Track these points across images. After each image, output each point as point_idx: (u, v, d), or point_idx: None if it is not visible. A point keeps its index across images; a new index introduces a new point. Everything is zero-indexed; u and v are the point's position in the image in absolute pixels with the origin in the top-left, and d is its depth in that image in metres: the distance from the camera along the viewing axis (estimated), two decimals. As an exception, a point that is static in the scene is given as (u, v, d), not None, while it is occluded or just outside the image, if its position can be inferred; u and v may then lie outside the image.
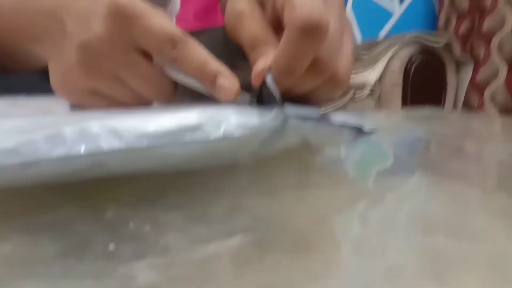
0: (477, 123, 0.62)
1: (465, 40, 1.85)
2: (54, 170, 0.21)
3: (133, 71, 0.29)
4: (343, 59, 0.30)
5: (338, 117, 0.29)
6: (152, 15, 0.28)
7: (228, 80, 0.28)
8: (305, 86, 0.29)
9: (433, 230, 0.21)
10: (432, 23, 1.98)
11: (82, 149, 0.20)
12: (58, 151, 0.20)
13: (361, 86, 1.58)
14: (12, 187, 0.21)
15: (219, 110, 0.25)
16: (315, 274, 0.17)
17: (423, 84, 1.63)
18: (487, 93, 1.75)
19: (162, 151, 0.22)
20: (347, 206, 0.25)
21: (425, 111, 0.75)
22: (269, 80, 0.27)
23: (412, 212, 0.25)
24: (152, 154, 0.22)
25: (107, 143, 0.21)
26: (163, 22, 0.28)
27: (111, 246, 0.19)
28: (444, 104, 1.68)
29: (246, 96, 0.28)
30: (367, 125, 0.29)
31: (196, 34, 0.31)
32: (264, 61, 0.28)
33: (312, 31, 0.25)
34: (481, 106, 1.77)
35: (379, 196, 0.27)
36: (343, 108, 1.49)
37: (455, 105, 1.73)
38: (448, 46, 1.67)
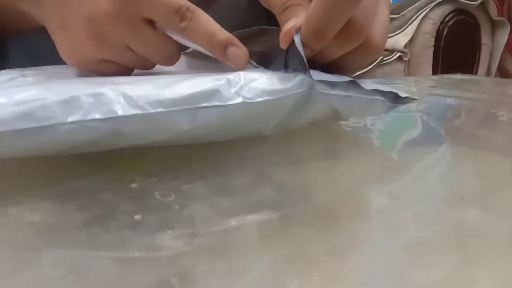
0: (511, 89, 0.59)
1: (502, 0, 1.75)
2: (70, 136, 0.20)
3: (140, 40, 0.29)
4: (378, 25, 0.28)
5: (369, 84, 0.27)
6: None
7: (238, 49, 0.28)
8: (336, 51, 0.28)
9: (461, 203, 0.21)
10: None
11: (97, 115, 0.20)
12: (73, 117, 0.20)
13: (389, 51, 1.53)
14: (36, 156, 0.22)
15: (238, 73, 0.24)
16: (339, 247, 0.17)
17: (455, 47, 1.56)
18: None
19: (178, 118, 0.22)
20: (372, 178, 0.24)
21: (457, 76, 0.72)
22: (297, 41, 0.25)
23: (439, 184, 0.24)
24: (168, 122, 0.22)
25: (123, 109, 0.21)
26: None
27: (137, 216, 0.19)
28: (477, 69, 1.62)
29: (255, 64, 0.28)
30: (401, 92, 0.28)
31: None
32: (294, 21, 0.26)
33: None
34: (517, 72, 1.69)
35: (406, 168, 0.26)
36: (370, 73, 1.45)
37: (488, 70, 1.66)
38: (483, 6, 1.58)
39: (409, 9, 1.56)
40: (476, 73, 1.63)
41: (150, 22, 0.29)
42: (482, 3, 1.57)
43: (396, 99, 0.28)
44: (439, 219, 0.20)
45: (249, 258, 0.16)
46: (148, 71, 0.31)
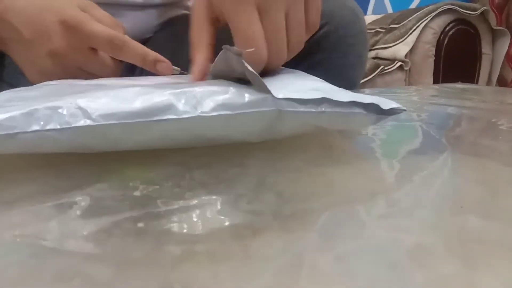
0: (511, 98, 0.59)
1: (501, 10, 1.76)
2: (33, 144, 0.23)
3: (89, 63, 0.42)
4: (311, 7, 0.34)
5: (347, 95, 0.26)
6: (89, 23, 0.39)
7: (164, 62, 0.40)
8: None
9: (462, 210, 0.21)
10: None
11: (55, 125, 0.23)
12: (34, 127, 0.23)
13: (390, 61, 1.54)
14: (41, 165, 0.22)
15: (198, 87, 0.24)
16: (341, 253, 0.17)
17: (456, 56, 1.57)
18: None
19: (133, 130, 0.23)
20: (374, 185, 0.24)
21: (458, 86, 0.73)
22: (246, 64, 0.24)
23: (440, 192, 0.24)
24: (123, 133, 0.23)
25: (76, 121, 0.23)
26: (99, 28, 0.40)
27: (140, 224, 0.19)
28: (478, 78, 1.62)
29: (178, 71, 0.39)
30: (393, 102, 0.27)
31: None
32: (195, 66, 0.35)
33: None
34: (517, 81, 1.70)
35: (407, 175, 0.26)
36: (371, 83, 1.46)
37: (489, 79, 1.67)
38: (483, 16, 1.59)
39: (409, 19, 1.57)
40: (477, 82, 1.63)
41: (95, 50, 0.41)
42: (482, 12, 1.58)
43: (379, 111, 0.26)
44: (440, 225, 0.20)
45: (252, 264, 0.16)
46: (117, 82, 0.37)
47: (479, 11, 1.55)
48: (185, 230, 0.19)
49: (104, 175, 0.25)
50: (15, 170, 0.26)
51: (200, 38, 0.35)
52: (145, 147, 0.25)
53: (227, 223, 0.19)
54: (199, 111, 0.23)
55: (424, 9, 1.56)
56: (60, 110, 0.23)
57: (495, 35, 1.64)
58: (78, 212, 0.20)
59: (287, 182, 0.24)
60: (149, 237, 0.18)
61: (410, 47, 1.52)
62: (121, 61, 0.44)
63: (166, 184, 0.23)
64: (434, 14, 1.53)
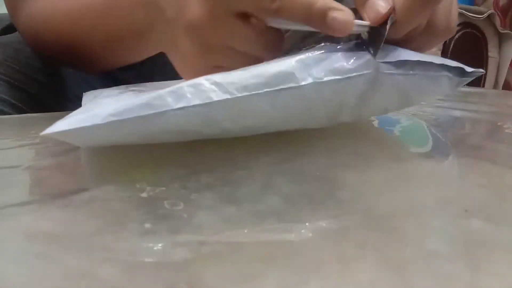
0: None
1: (505, 13, 1.75)
2: (177, 120, 0.24)
3: (239, 37, 0.30)
4: (441, 8, 0.29)
5: (436, 58, 0.28)
6: None
7: (340, 12, 0.26)
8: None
9: (468, 214, 0.21)
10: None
11: (198, 101, 0.24)
12: (180, 103, 0.24)
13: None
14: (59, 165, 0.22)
15: (310, 55, 0.26)
16: (347, 258, 0.17)
17: (463, 60, 1.55)
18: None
19: (260, 101, 0.25)
20: (378, 188, 0.25)
21: (464, 89, 0.72)
22: (389, 24, 0.26)
23: (446, 196, 0.24)
24: (253, 104, 0.25)
25: (216, 95, 0.24)
26: None
27: (147, 224, 0.19)
28: (484, 82, 1.62)
29: (362, 27, 0.27)
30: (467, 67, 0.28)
31: None
32: (386, 2, 0.27)
33: None
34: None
35: (412, 178, 0.27)
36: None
37: (496, 83, 1.66)
38: (490, 19, 1.59)
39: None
40: (483, 86, 1.62)
41: (246, 17, 0.29)
42: (488, 16, 1.57)
43: (463, 73, 0.28)
44: (447, 230, 0.20)
45: (257, 266, 0.16)
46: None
47: (485, 14, 1.55)
48: (191, 231, 0.19)
49: (111, 177, 0.25)
50: (21, 172, 0.26)
51: None
52: (258, 129, 0.27)
53: (232, 225, 0.20)
54: (313, 78, 0.25)
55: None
56: (201, 87, 0.24)
57: (501, 39, 1.63)
58: (85, 213, 0.21)
59: (292, 185, 0.24)
60: (156, 237, 0.18)
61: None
62: (279, 31, 0.31)
63: (173, 186, 0.24)
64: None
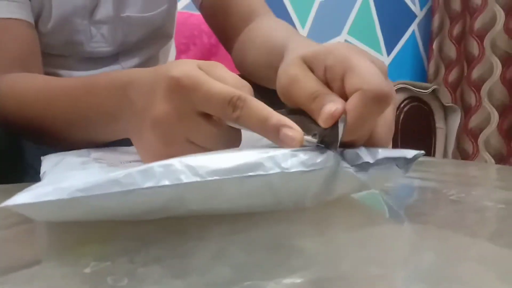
0: (465, 169, 0.62)
1: (455, 88, 1.89)
2: (145, 199, 0.24)
3: (201, 133, 0.32)
4: (382, 121, 0.32)
5: (381, 153, 0.30)
6: (209, 81, 0.30)
7: (291, 130, 0.29)
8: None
9: (417, 279, 0.21)
10: (421, 73, 2.04)
11: (167, 181, 0.24)
12: (149, 183, 0.24)
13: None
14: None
15: (278, 150, 0.27)
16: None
17: (413, 131, 1.65)
18: (480, 139, 1.77)
19: (229, 185, 0.25)
20: (334, 255, 0.25)
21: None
22: (341, 127, 0.28)
23: (397, 261, 0.24)
24: (221, 188, 0.25)
25: (186, 177, 0.25)
26: (219, 86, 0.30)
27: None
28: (434, 151, 1.70)
29: (311, 142, 0.29)
30: (411, 151, 0.31)
31: None
32: (335, 105, 0.29)
33: (385, 98, 0.29)
34: (476, 152, 1.79)
35: (369, 244, 0.27)
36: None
37: (445, 151, 1.75)
38: (435, 94, 1.71)
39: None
40: (433, 155, 1.71)
41: (208, 116, 0.31)
42: (433, 91, 1.69)
43: (407, 160, 0.31)
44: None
45: None
46: None
47: (429, 90, 1.67)
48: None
49: (57, 251, 0.24)
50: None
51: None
52: (231, 208, 0.27)
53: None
54: (281, 168, 0.26)
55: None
56: (171, 168, 0.25)
57: (447, 111, 1.75)
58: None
59: (245, 255, 0.24)
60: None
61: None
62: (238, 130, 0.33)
63: (119, 260, 0.23)
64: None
